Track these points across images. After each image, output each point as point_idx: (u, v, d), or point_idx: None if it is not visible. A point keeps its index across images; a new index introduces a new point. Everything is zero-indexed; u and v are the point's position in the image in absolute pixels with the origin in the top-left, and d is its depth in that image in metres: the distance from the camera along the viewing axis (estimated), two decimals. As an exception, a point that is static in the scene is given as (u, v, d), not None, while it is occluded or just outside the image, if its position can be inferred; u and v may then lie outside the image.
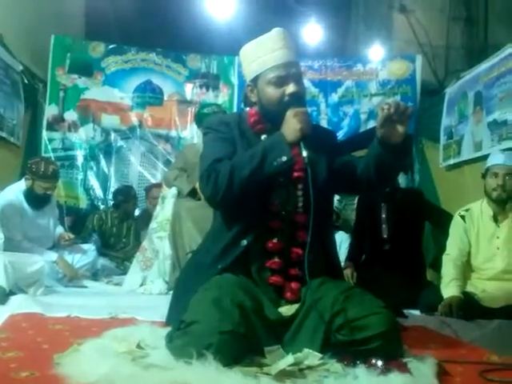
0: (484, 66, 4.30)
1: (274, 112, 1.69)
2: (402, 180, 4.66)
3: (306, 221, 1.68)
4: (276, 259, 1.68)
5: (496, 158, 3.01)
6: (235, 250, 1.69)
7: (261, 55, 1.72)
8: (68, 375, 1.31)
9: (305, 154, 1.62)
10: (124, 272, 4.19)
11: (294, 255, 1.68)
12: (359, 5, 7.21)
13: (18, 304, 2.57)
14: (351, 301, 1.54)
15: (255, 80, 1.74)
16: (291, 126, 1.62)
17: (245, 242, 1.68)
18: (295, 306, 1.64)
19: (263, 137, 1.76)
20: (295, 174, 1.71)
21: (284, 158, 1.60)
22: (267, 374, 1.35)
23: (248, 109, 1.86)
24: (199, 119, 3.69)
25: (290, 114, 1.64)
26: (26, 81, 4.89)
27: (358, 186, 1.87)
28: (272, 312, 1.60)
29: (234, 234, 1.71)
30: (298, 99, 1.68)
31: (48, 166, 3.61)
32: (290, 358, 1.40)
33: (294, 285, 1.67)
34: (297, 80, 1.69)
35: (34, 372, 1.36)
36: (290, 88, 1.67)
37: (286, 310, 1.65)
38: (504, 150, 3.71)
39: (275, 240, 1.69)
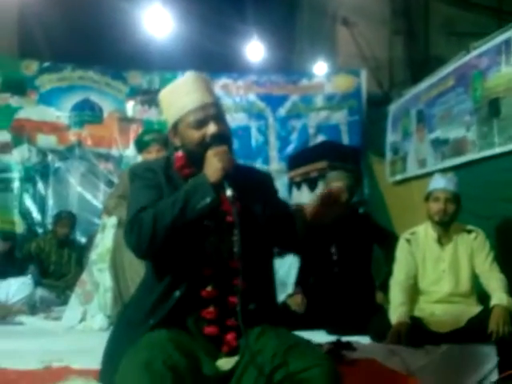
0: (424, 84, 4.35)
1: (197, 154, 1.64)
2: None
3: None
4: (211, 308, 1.59)
5: (437, 183, 3.02)
6: (168, 303, 1.59)
7: (177, 100, 1.69)
8: None
9: (229, 193, 1.54)
10: (64, 302, 3.98)
11: (230, 304, 1.59)
12: (303, 20, 7.23)
13: None
14: (292, 352, 1.47)
15: (176, 125, 1.70)
16: (212, 166, 1.57)
17: (177, 294, 1.59)
18: (234, 359, 1.54)
19: None
20: (228, 218, 1.63)
21: (208, 200, 1.53)
22: None
23: (175, 153, 1.79)
24: (139, 146, 3.58)
25: (210, 153, 1.59)
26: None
27: (286, 239, 1.78)
28: (209, 368, 1.50)
29: (165, 285, 1.61)
30: (220, 139, 1.63)
31: None
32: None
33: (229, 336, 1.58)
34: (217, 120, 1.66)
35: None
36: (211, 129, 1.63)
37: (225, 363, 1.54)
38: (446, 169, 3.77)
39: (209, 288, 1.60)
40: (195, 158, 1.65)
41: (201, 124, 1.64)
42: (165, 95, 1.76)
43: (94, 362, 1.98)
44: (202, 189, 1.54)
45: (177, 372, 1.36)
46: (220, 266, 1.62)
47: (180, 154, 1.75)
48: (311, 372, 1.41)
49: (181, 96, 1.68)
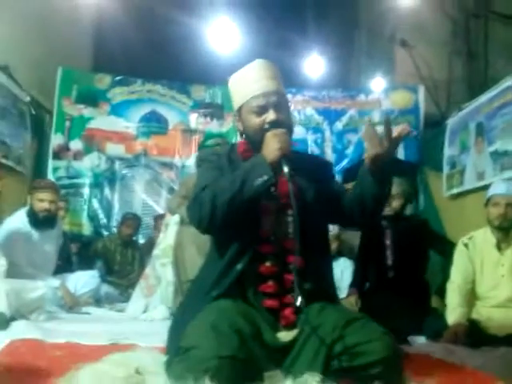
0: (485, 97, 4.34)
1: (257, 140, 1.72)
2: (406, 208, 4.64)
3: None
4: (270, 283, 1.67)
5: (498, 188, 3.02)
6: (230, 276, 1.68)
7: (243, 86, 1.77)
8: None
9: (286, 169, 1.61)
10: (127, 300, 4.17)
11: (287, 281, 1.67)
12: (361, 38, 7.35)
13: (19, 330, 2.54)
14: (352, 326, 1.52)
15: (240, 110, 1.79)
16: (270, 146, 1.64)
17: (239, 267, 1.67)
18: (294, 332, 1.61)
19: None
20: (284, 200, 1.70)
21: (265, 177, 1.59)
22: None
23: (239, 139, 1.90)
24: (203, 151, 3.76)
25: (268, 134, 1.67)
26: (32, 111, 4.99)
27: (346, 218, 1.86)
28: (270, 337, 1.58)
29: (227, 259, 1.70)
30: (278, 126, 1.70)
31: (46, 179, 3.62)
32: (289, 383, 1.38)
33: (287, 312, 1.65)
34: (277, 108, 1.73)
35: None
36: (270, 116, 1.71)
37: (285, 335, 1.61)
38: (506, 179, 3.73)
39: (268, 264, 1.68)
40: (255, 142, 1.74)
41: (261, 110, 1.72)
42: (233, 82, 1.84)
43: (159, 342, 2.07)
44: (260, 167, 1.61)
45: (241, 336, 1.45)
46: (276, 244, 1.70)
47: (243, 140, 1.85)
48: (370, 345, 1.46)
49: (247, 83, 1.76)
